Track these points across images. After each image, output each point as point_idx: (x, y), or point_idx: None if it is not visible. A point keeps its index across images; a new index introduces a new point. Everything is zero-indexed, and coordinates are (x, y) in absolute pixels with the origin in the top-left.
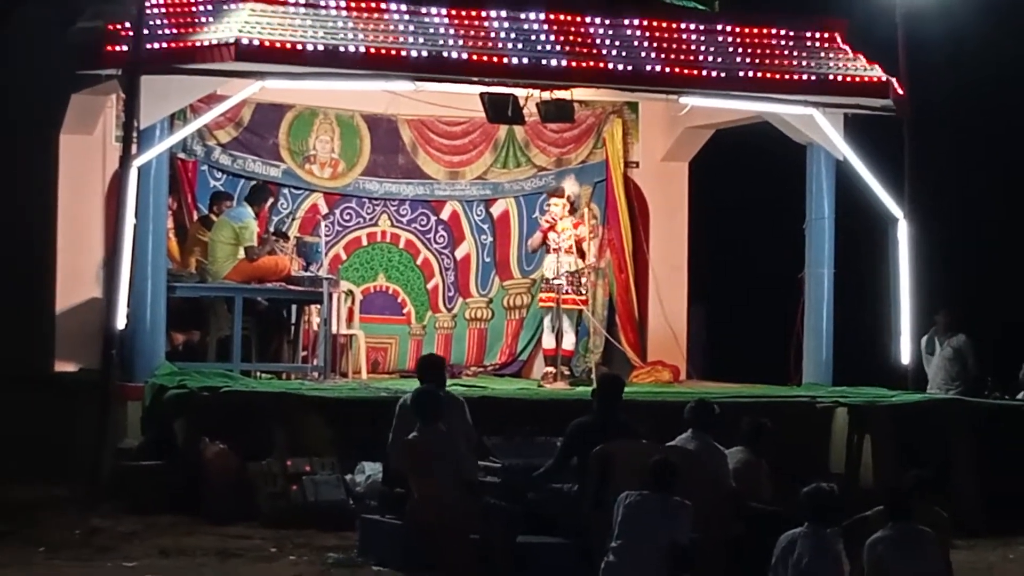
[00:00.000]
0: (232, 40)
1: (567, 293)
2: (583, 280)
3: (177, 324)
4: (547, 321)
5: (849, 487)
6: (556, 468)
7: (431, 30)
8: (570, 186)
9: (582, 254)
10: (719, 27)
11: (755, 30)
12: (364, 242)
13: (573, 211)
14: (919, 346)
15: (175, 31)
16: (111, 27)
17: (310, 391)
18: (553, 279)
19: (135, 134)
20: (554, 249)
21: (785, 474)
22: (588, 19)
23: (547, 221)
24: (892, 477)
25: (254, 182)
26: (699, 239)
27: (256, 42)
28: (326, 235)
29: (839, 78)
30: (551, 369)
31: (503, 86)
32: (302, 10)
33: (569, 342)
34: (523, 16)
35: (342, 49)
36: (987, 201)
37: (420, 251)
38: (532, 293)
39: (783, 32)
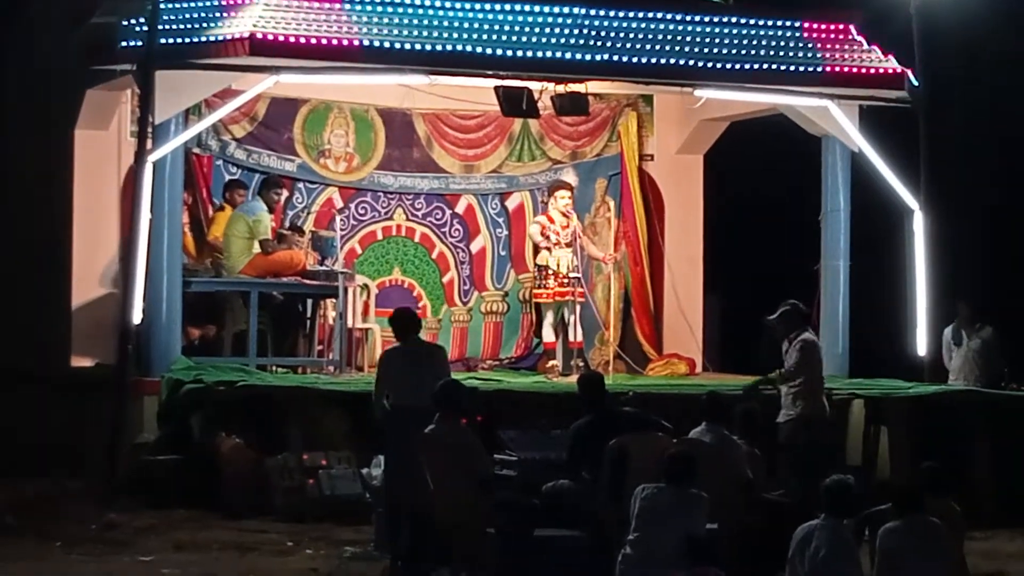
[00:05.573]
0: (246, 34)
1: (571, 286)
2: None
3: (193, 319)
4: (549, 316)
5: (866, 479)
6: (571, 477)
7: (445, 23)
8: (572, 178)
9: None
10: (734, 19)
11: (770, 22)
12: (379, 236)
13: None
14: (942, 338)
15: (189, 26)
16: (126, 22)
17: (326, 385)
18: (559, 273)
19: (150, 129)
20: (566, 244)
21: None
22: (603, 11)
23: (564, 215)
24: (908, 469)
25: (267, 176)
26: (714, 231)
27: (270, 36)
28: (341, 229)
29: (854, 70)
30: (555, 362)
31: (518, 79)
32: (316, 4)
33: (578, 334)
34: (538, 9)
35: (356, 43)
36: (1003, 192)
37: (435, 245)
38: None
39: (798, 24)
